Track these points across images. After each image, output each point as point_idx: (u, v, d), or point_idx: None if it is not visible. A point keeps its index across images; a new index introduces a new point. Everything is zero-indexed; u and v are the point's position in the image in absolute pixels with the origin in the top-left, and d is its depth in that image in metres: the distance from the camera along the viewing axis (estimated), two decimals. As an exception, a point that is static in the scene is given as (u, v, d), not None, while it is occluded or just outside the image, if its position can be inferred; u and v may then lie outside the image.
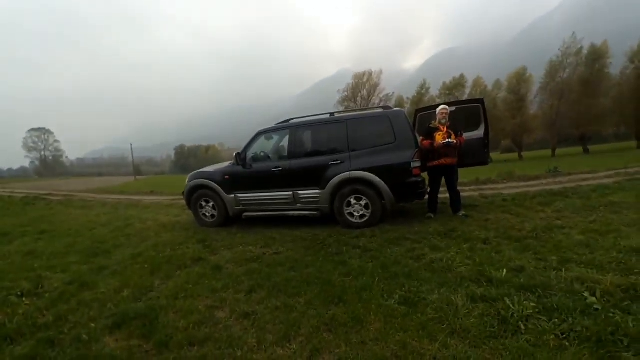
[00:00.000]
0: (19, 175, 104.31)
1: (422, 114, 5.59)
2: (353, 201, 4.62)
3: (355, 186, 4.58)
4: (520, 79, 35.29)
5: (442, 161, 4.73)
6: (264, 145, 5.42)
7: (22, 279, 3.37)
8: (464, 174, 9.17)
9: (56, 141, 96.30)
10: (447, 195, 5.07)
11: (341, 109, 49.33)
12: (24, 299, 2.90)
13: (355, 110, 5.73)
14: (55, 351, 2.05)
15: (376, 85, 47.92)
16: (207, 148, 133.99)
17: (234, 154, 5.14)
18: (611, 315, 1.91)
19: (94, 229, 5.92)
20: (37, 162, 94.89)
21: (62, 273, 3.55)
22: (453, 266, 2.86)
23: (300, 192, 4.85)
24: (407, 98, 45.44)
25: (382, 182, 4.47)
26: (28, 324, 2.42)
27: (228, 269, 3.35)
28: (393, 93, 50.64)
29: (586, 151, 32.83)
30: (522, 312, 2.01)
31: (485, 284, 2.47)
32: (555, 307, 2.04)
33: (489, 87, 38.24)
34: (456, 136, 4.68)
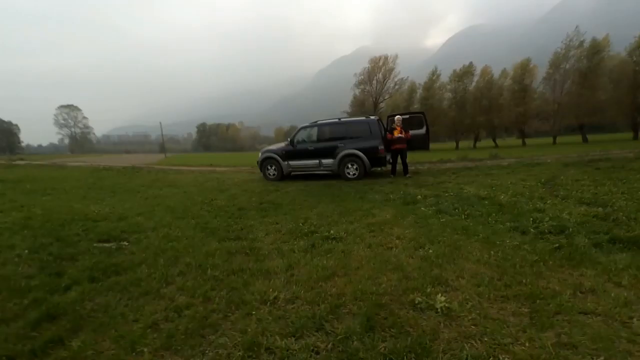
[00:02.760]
0: (51, 151, 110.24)
1: (390, 118, 9.67)
2: (349, 165, 8.93)
3: (350, 158, 8.88)
4: (525, 70, 37.76)
5: (397, 146, 8.92)
6: (304, 133, 9.73)
7: (207, 199, 7.63)
8: (441, 155, 13.21)
9: (84, 118, 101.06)
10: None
11: (357, 91, 52.63)
12: (214, 201, 7.23)
13: (352, 117, 9.92)
14: (243, 213, 6.40)
15: (391, 70, 50.27)
16: (228, 127, 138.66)
17: (288, 139, 9.53)
18: (411, 198, 6.09)
19: (205, 183, 10.35)
20: (66, 139, 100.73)
21: (217, 200, 7.77)
22: (384, 190, 7.13)
23: (322, 160, 9.23)
24: (419, 84, 48.09)
25: (364, 156, 8.76)
26: (227, 204, 6.79)
27: (292, 192, 7.71)
28: (407, 77, 52.87)
29: (585, 140, 35.50)
30: (395, 199, 6.26)
31: (390, 195, 6.70)
32: (404, 197, 6.25)
33: (496, 76, 40.77)
34: (405, 132, 8.83)
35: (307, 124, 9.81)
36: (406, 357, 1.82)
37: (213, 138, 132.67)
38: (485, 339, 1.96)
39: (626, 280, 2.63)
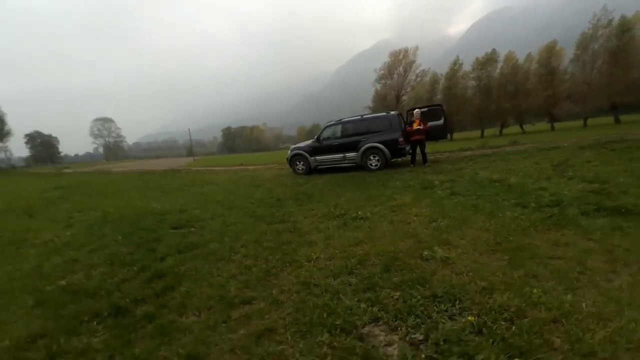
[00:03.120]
0: (87, 160, 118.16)
1: (409, 112, 10.31)
2: (372, 157, 9.69)
3: (372, 150, 9.63)
4: (551, 52, 36.67)
5: (416, 137, 9.57)
6: (329, 130, 10.58)
7: (247, 194, 8.74)
8: (463, 144, 13.66)
9: (117, 128, 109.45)
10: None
11: (378, 86, 52.78)
12: (253, 195, 8.27)
13: (374, 112, 10.66)
14: (281, 203, 7.33)
15: (412, 62, 49.88)
16: (252, 129, 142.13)
17: (315, 137, 10.41)
18: (429, 184, 6.78)
19: (240, 180, 11.43)
20: (100, 148, 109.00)
21: (256, 194, 8.83)
22: (404, 178, 7.84)
23: (347, 154, 10.04)
24: (441, 74, 47.55)
25: (385, 148, 9.50)
26: (265, 196, 7.77)
27: (320, 184, 8.57)
28: (429, 68, 52.32)
29: (617, 121, 34.12)
30: (414, 185, 6.98)
31: (410, 182, 7.42)
32: (422, 183, 6.95)
33: (520, 61, 39.79)
34: (423, 124, 9.47)
35: (332, 122, 10.66)
36: (411, 284, 2.64)
37: (238, 140, 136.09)
38: (471, 274, 2.73)
39: (597, 236, 3.30)
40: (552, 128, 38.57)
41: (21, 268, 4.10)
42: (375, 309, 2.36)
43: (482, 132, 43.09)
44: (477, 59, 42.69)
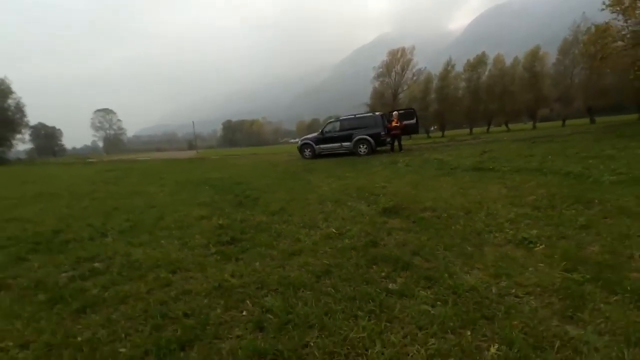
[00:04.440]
0: (87, 152, 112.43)
1: (390, 112, 13.79)
2: (361, 146, 13.24)
3: (362, 141, 13.19)
4: (535, 57, 39.99)
5: (394, 132, 13.13)
6: (330, 126, 14.10)
7: (270, 170, 12.27)
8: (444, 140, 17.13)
9: (119, 120, 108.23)
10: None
11: (377, 84, 55.73)
12: (275, 170, 11.79)
13: (364, 113, 14.20)
14: (297, 173, 10.85)
15: (409, 61, 52.48)
16: (252, 122, 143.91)
17: (320, 130, 13.98)
18: (396, 161, 10.30)
19: (260, 163, 14.93)
20: (99, 141, 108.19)
21: (276, 169, 12.36)
22: (381, 160, 11.38)
23: (343, 143, 13.60)
24: (436, 74, 50.63)
25: (371, 139, 13.04)
26: (284, 170, 11.29)
27: (323, 163, 12.11)
28: (425, 68, 55.12)
29: (592, 122, 37.60)
30: (386, 163, 10.52)
31: (384, 161, 10.96)
32: (391, 161, 10.49)
33: (508, 64, 43.08)
34: (400, 122, 13.00)
35: (333, 119, 14.22)
36: (364, 192, 6.19)
37: (238, 134, 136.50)
38: (392, 190, 6.27)
39: (457, 177, 6.83)
40: (534, 127, 41.99)
41: (162, 198, 7.60)
42: (348, 197, 5.96)
43: (471, 130, 46.55)
44: (468, 60, 45.91)
